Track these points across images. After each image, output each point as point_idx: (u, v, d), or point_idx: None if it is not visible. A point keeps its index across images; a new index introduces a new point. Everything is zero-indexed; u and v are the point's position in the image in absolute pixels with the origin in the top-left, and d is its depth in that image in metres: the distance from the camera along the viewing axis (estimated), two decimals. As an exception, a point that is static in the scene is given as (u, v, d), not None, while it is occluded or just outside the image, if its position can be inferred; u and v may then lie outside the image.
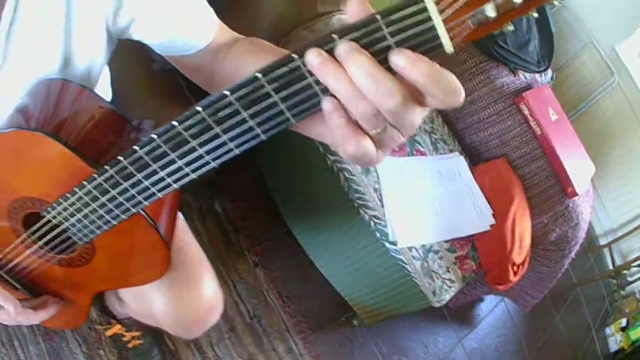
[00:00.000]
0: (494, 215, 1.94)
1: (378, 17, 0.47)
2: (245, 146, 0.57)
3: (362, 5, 0.67)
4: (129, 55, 1.06)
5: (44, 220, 0.82)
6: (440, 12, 0.46)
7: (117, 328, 1.70)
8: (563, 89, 3.24)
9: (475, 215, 1.91)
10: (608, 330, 3.95)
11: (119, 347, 1.72)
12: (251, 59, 0.87)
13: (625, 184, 3.57)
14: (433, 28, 0.47)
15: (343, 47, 0.49)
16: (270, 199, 2.15)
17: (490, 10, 0.46)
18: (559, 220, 2.18)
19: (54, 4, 0.80)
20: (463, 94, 0.49)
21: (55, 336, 1.64)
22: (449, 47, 0.48)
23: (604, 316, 3.95)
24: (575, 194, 2.14)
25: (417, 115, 0.52)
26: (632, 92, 3.26)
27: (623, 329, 3.88)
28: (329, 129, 0.57)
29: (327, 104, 0.53)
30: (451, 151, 2.01)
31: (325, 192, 1.85)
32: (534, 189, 2.13)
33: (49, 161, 0.75)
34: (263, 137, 0.56)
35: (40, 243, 0.88)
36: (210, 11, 0.93)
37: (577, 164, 2.19)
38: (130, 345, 1.72)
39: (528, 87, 2.17)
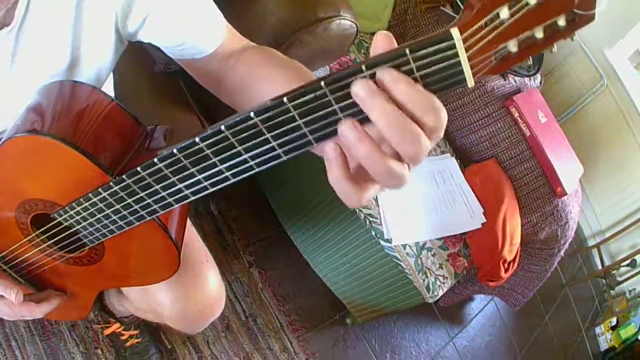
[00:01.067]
0: (485, 214, 1.98)
1: (407, 51, 0.48)
2: (266, 165, 0.58)
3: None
4: (130, 56, 1.07)
5: (54, 222, 0.81)
6: (467, 49, 0.48)
7: (115, 327, 1.70)
8: (552, 93, 3.28)
9: (467, 214, 1.94)
10: (598, 330, 3.97)
11: (116, 346, 1.72)
12: (261, 70, 0.87)
13: (613, 185, 3.60)
14: (458, 64, 0.48)
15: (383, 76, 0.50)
16: (264, 199, 2.17)
17: (512, 46, 0.48)
18: (548, 219, 2.21)
19: (63, 4, 0.80)
20: (443, 113, 0.50)
21: (53, 336, 1.63)
22: (470, 82, 0.49)
23: (594, 316, 3.97)
24: (565, 194, 2.18)
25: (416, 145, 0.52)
26: (621, 95, 3.29)
27: (613, 328, 3.91)
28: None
29: (329, 149, 0.54)
30: (443, 153, 2.05)
31: (320, 192, 1.88)
32: (524, 189, 2.17)
33: (63, 166, 0.74)
34: (284, 157, 0.56)
35: (49, 242, 0.88)
36: (220, 15, 0.93)
37: (566, 165, 2.23)
38: (128, 344, 1.72)
39: (518, 90, 2.21)
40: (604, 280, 3.94)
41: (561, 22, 0.46)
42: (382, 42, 0.52)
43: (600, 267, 3.84)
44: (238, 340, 1.99)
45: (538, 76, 2.39)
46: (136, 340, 1.74)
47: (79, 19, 0.83)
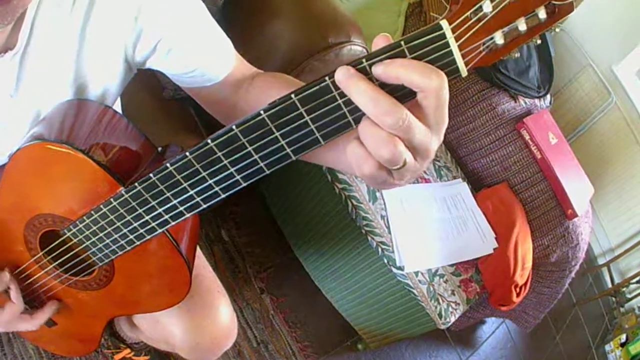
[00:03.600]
0: (497, 238, 1.97)
1: (402, 42, 0.52)
2: (276, 166, 0.59)
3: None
4: (138, 82, 1.06)
5: (62, 238, 0.81)
6: (457, 38, 0.51)
7: (125, 352, 1.69)
8: (561, 112, 3.26)
9: (479, 240, 1.93)
10: (608, 347, 3.93)
11: None
12: (276, 91, 0.86)
13: (622, 203, 3.58)
14: (450, 53, 0.52)
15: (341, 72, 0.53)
16: (276, 225, 2.16)
17: (499, 38, 0.52)
18: (559, 241, 2.20)
19: (67, 31, 0.80)
20: (443, 75, 0.52)
21: (62, 359, 1.61)
22: (463, 70, 0.53)
23: (604, 334, 3.94)
24: (575, 216, 2.17)
25: (424, 136, 0.55)
26: (629, 110, 3.27)
27: (622, 345, 3.88)
28: (344, 155, 0.60)
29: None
30: (454, 178, 2.04)
31: (332, 219, 1.87)
32: (535, 212, 2.16)
33: (74, 176, 0.74)
34: (293, 157, 0.58)
35: (56, 264, 0.87)
36: (228, 43, 0.93)
37: (576, 186, 2.22)
38: None
39: (528, 112, 2.20)
40: (613, 298, 3.92)
41: (541, 14, 0.51)
42: (382, 43, 0.54)
43: (610, 285, 3.81)
44: (249, 366, 1.98)
45: (548, 96, 2.39)
46: None
47: (84, 45, 0.82)
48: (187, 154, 0.60)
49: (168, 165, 0.62)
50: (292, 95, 0.54)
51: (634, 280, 3.64)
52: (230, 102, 0.94)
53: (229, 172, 0.60)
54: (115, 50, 0.85)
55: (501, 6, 0.50)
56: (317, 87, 0.54)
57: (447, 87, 0.53)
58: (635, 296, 3.78)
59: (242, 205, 2.08)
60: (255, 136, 0.57)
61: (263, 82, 0.92)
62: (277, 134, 0.56)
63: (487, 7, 0.50)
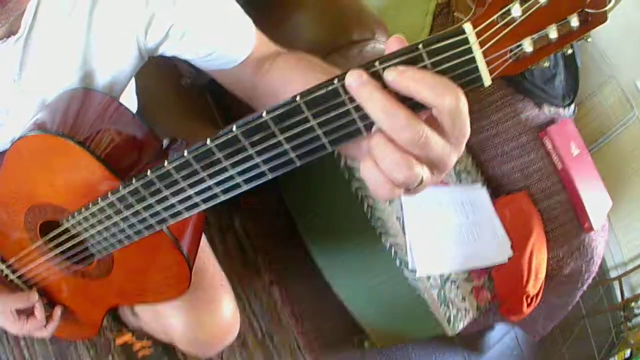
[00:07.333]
0: (512, 247, 1.94)
1: (420, 46, 0.47)
2: (279, 171, 0.56)
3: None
4: (155, 68, 1.04)
5: (62, 228, 0.80)
6: (481, 44, 0.47)
7: (127, 337, 1.70)
8: (584, 123, 3.22)
9: (494, 247, 1.91)
10: (612, 361, 3.93)
11: (128, 354, 1.72)
12: (299, 74, 0.83)
13: (638, 218, 3.55)
14: (473, 60, 0.47)
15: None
16: (290, 219, 2.15)
17: (527, 45, 0.48)
18: (574, 254, 2.17)
19: (74, 16, 0.78)
20: (458, 93, 0.48)
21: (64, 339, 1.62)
22: (487, 79, 0.49)
23: (610, 347, 3.92)
24: (592, 229, 2.14)
25: (442, 150, 0.51)
26: (651, 127, 3.24)
27: (626, 360, 3.87)
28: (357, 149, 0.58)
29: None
30: (474, 182, 2.01)
31: (346, 217, 1.86)
32: (552, 223, 2.13)
33: (73, 169, 0.73)
34: (298, 163, 0.55)
35: (56, 252, 0.86)
36: (248, 22, 0.89)
37: (595, 200, 2.19)
38: (140, 354, 1.72)
39: (552, 121, 2.17)
40: (622, 312, 3.90)
41: (574, 22, 0.47)
42: (396, 45, 0.50)
43: (620, 299, 3.79)
44: (253, 357, 1.98)
45: (572, 106, 2.35)
46: (148, 352, 1.73)
47: (91, 31, 0.79)
48: (186, 153, 0.57)
49: (166, 163, 0.59)
50: (297, 98, 0.50)
51: (644, 296, 3.62)
52: (251, 84, 0.90)
53: (229, 174, 0.57)
54: (126, 36, 0.83)
55: (531, 10, 0.46)
56: (325, 90, 0.50)
57: (465, 101, 0.49)
58: (644, 312, 3.76)
59: (258, 196, 2.07)
60: (257, 139, 0.53)
61: (285, 63, 0.87)
62: (280, 137, 0.53)
63: (516, 11, 0.46)
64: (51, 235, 0.84)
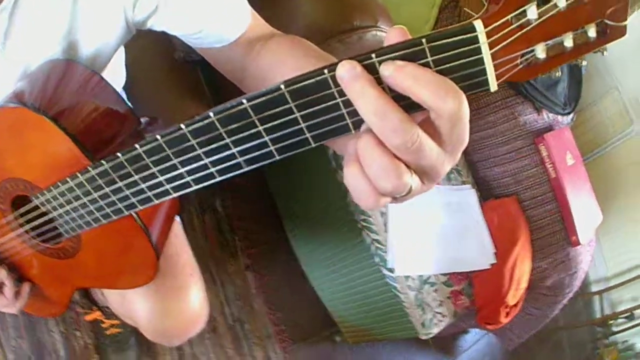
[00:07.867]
0: (496, 254, 1.90)
1: (423, 40, 0.43)
2: (256, 163, 0.52)
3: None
4: (148, 40, 1.00)
5: (32, 205, 0.79)
6: (491, 46, 0.44)
7: (97, 314, 1.69)
8: (580, 131, 3.20)
9: (477, 252, 1.87)
10: (585, 377, 3.93)
11: (96, 331, 1.71)
12: (290, 59, 0.80)
13: (626, 234, 3.53)
14: (481, 61, 0.44)
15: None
16: (272, 203, 2.11)
17: (540, 51, 0.45)
18: (558, 266, 2.14)
19: None
20: (462, 97, 0.44)
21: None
22: (493, 84, 0.45)
23: (585, 362, 3.94)
24: (578, 244, 2.10)
25: (435, 158, 0.47)
26: (649, 145, 3.21)
27: (599, 377, 3.87)
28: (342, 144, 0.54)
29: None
30: (464, 183, 1.96)
31: (330, 208, 1.82)
32: (539, 232, 2.09)
33: (46, 145, 0.72)
34: (277, 156, 0.51)
35: (26, 227, 0.85)
36: (243, 0, 0.86)
37: (585, 214, 2.15)
38: (108, 332, 1.71)
39: (550, 127, 2.12)
40: (599, 328, 3.90)
41: (591, 32, 0.45)
42: (397, 37, 0.46)
43: (599, 314, 3.79)
44: (221, 343, 1.95)
45: (571, 114, 2.31)
46: (117, 330, 1.72)
47: (78, 1, 0.78)
48: (158, 137, 0.53)
49: (137, 146, 0.56)
50: (282, 86, 0.46)
51: (623, 315, 3.61)
52: (240, 65, 0.87)
53: (202, 162, 0.53)
54: (113, 8, 0.81)
55: (548, 15, 0.43)
56: (313, 80, 0.46)
57: (467, 106, 0.44)
58: (621, 331, 3.75)
59: (241, 177, 2.01)
60: (235, 127, 0.49)
61: (278, 46, 0.84)
62: (260, 128, 0.49)
63: (532, 14, 0.43)
64: (22, 210, 0.83)
